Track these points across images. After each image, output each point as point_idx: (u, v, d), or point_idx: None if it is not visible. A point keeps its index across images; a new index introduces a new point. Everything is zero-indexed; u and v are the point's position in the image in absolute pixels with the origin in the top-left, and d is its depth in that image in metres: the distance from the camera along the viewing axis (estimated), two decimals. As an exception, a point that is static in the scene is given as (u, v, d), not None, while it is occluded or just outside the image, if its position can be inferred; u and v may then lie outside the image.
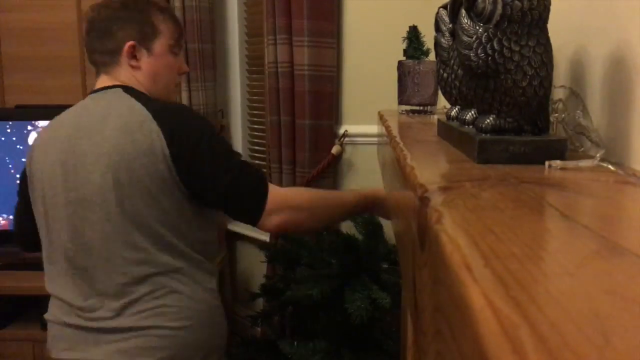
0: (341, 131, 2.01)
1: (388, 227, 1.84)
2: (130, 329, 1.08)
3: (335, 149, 1.98)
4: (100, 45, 1.21)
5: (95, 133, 1.11)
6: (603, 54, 0.61)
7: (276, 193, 1.16)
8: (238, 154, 1.19)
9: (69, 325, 1.13)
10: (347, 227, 1.94)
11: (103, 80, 1.22)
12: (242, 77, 2.39)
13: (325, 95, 1.94)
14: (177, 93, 2.17)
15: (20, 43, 2.32)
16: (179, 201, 1.11)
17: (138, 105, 1.11)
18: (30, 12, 2.30)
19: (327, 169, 1.97)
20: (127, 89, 1.18)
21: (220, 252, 2.27)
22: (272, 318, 1.89)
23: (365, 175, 2.02)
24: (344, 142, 2.01)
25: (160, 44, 1.24)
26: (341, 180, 2.06)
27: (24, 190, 1.25)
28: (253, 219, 1.15)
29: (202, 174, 1.11)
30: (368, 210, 1.32)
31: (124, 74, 1.22)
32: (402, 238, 0.54)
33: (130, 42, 1.20)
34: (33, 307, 2.12)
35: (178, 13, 2.09)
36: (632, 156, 0.54)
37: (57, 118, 1.22)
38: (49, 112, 2.10)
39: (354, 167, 2.05)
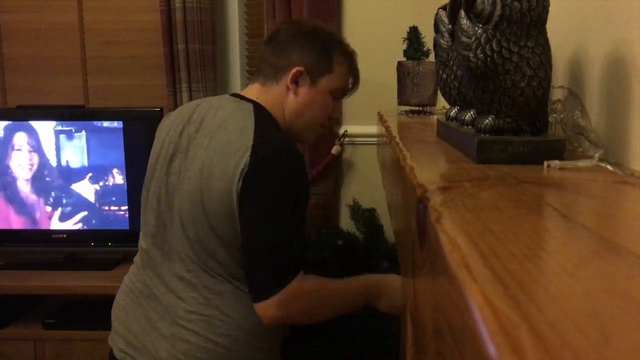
0: (341, 131, 2.01)
1: (388, 227, 1.84)
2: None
3: (335, 149, 1.98)
4: (273, 57, 1.21)
5: (205, 137, 1.12)
6: (601, 54, 0.61)
7: (296, 290, 1.06)
8: (297, 224, 1.10)
9: None
10: (348, 225, 1.94)
11: (252, 89, 1.23)
12: (243, 77, 2.39)
13: (325, 96, 1.94)
14: (179, 93, 2.17)
15: (21, 44, 2.32)
16: (236, 231, 1.08)
17: (250, 131, 1.09)
18: (31, 13, 2.30)
19: (327, 169, 1.98)
20: (260, 110, 1.16)
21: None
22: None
23: (365, 175, 2.02)
24: (344, 142, 2.01)
25: (326, 81, 1.22)
26: (341, 180, 2.06)
27: None
28: (255, 296, 1.07)
29: (250, 216, 1.07)
30: (370, 303, 1.20)
31: (277, 92, 1.20)
32: (401, 238, 0.54)
33: (300, 68, 1.19)
34: (33, 307, 2.12)
35: (178, 13, 2.09)
36: (630, 156, 0.54)
37: (190, 103, 1.24)
38: (50, 112, 2.11)
39: (354, 167, 2.05)
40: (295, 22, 1.24)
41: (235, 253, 1.09)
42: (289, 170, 1.09)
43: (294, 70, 1.18)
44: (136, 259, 1.22)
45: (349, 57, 1.26)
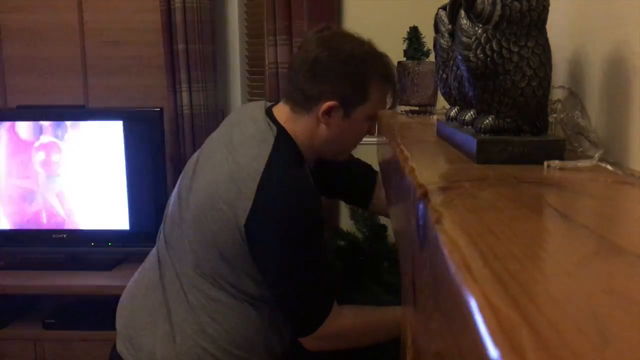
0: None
1: (388, 227, 1.84)
2: None
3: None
4: (305, 84, 1.12)
5: (219, 154, 1.12)
6: (602, 54, 0.61)
7: (333, 324, 1.08)
8: (316, 271, 1.10)
9: None
10: (348, 226, 1.94)
11: (283, 111, 1.16)
12: (243, 77, 2.39)
13: (325, 96, 1.94)
14: (179, 93, 2.17)
15: (21, 44, 2.32)
16: (243, 255, 1.08)
17: (261, 161, 1.05)
18: (31, 13, 2.30)
19: (327, 169, 1.97)
20: (282, 137, 1.11)
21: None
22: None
23: (365, 176, 2.02)
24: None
25: (362, 111, 1.14)
26: (341, 181, 2.06)
27: None
28: (299, 333, 1.11)
29: (266, 267, 1.07)
30: None
31: (307, 122, 1.14)
32: (401, 238, 0.54)
33: (333, 103, 1.11)
34: (33, 307, 2.12)
35: (178, 13, 2.09)
36: (630, 156, 0.54)
37: (231, 116, 1.27)
38: (51, 112, 2.11)
39: (354, 167, 2.05)
40: (331, 47, 1.11)
41: (237, 270, 1.09)
42: (296, 212, 1.06)
43: (325, 105, 1.11)
44: (154, 251, 1.23)
45: (389, 81, 1.17)
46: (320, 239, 1.11)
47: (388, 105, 1.20)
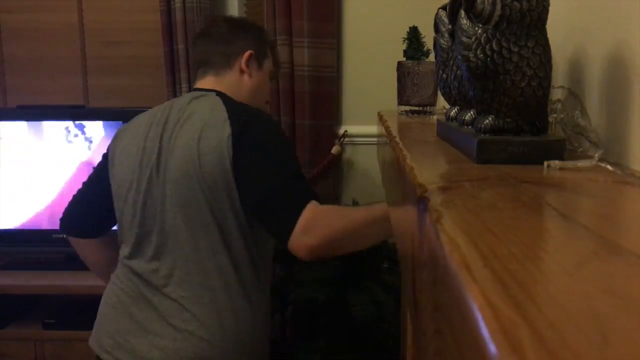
0: (341, 131, 2.01)
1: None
2: None
3: (335, 149, 1.98)
4: (218, 48, 1.30)
5: (178, 127, 1.16)
6: (601, 54, 0.61)
7: (314, 210, 1.05)
8: (296, 164, 1.16)
9: None
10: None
11: (206, 82, 1.29)
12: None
13: (325, 96, 1.94)
14: (179, 93, 2.17)
15: (21, 44, 2.32)
16: (234, 212, 1.12)
17: (220, 107, 1.16)
18: (31, 13, 2.30)
19: (327, 169, 1.98)
20: (221, 95, 1.22)
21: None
22: (272, 317, 1.89)
23: (365, 175, 2.02)
24: (344, 142, 2.01)
25: (268, 64, 1.36)
26: (341, 180, 2.06)
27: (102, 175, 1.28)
28: (283, 236, 1.06)
29: (251, 172, 1.11)
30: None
31: (232, 77, 1.29)
32: (401, 238, 0.54)
33: (251, 51, 1.30)
34: (33, 307, 2.12)
35: (178, 13, 2.09)
36: (630, 156, 0.54)
37: (147, 112, 1.29)
38: (51, 112, 2.11)
39: (354, 167, 2.05)
40: (222, 18, 1.41)
41: (231, 240, 1.13)
42: (271, 124, 1.19)
43: (247, 54, 1.29)
44: (122, 259, 1.21)
45: (273, 43, 1.47)
46: (295, 153, 1.23)
47: (276, 68, 1.41)
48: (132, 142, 1.22)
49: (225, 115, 1.14)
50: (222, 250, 1.12)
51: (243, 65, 1.29)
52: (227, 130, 1.11)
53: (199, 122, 1.14)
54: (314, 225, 1.04)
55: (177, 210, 1.13)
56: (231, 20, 1.39)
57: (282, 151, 1.15)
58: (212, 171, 1.10)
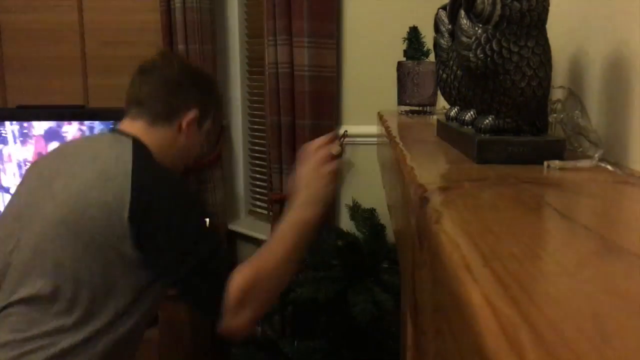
0: (341, 131, 2.01)
1: (388, 227, 1.84)
2: None
3: (335, 149, 1.98)
4: (164, 95, 1.18)
5: (77, 167, 1.09)
6: (601, 54, 0.61)
7: (235, 287, 1.00)
8: (205, 234, 1.08)
9: None
10: (348, 226, 1.94)
11: (135, 126, 1.17)
12: (243, 77, 2.39)
13: (325, 96, 1.94)
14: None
15: (21, 44, 2.33)
16: (119, 264, 1.03)
17: (128, 159, 1.07)
18: (31, 13, 2.30)
19: (327, 169, 1.97)
20: (138, 142, 1.13)
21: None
22: (272, 318, 1.89)
23: (365, 175, 2.02)
24: (344, 142, 2.01)
25: (208, 125, 1.26)
26: (341, 181, 2.06)
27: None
28: (212, 318, 1.02)
29: (161, 249, 1.03)
30: (308, 227, 1.10)
31: (167, 133, 1.18)
32: (401, 238, 0.54)
33: (196, 111, 1.20)
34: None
35: (178, 13, 2.09)
36: (630, 156, 0.54)
37: (63, 145, 1.23)
38: (51, 112, 2.11)
39: (354, 167, 2.05)
40: (178, 60, 1.25)
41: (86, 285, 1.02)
42: (177, 188, 1.09)
43: (192, 114, 1.20)
44: None
45: (220, 98, 1.34)
46: (203, 212, 1.14)
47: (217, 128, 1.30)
48: (30, 177, 1.16)
49: (129, 168, 1.04)
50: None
51: (184, 125, 1.19)
52: (127, 193, 1.02)
53: (97, 169, 1.06)
54: (245, 303, 1.00)
55: (39, 254, 1.04)
56: (186, 68, 1.24)
57: (191, 221, 1.06)
58: (96, 225, 1.02)
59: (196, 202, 1.13)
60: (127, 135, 1.15)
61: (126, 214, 1.01)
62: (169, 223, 1.03)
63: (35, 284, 1.02)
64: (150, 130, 1.17)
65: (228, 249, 1.16)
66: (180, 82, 1.20)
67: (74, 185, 1.06)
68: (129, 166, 1.05)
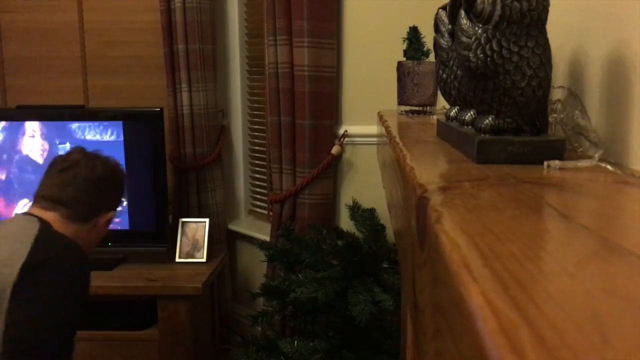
0: (341, 131, 2.01)
1: (388, 227, 1.84)
2: None
3: (335, 149, 1.98)
4: (88, 198, 1.24)
5: None
6: (601, 54, 0.61)
7: None
8: (70, 328, 1.13)
9: None
10: (348, 226, 1.94)
11: (49, 216, 1.20)
12: (243, 77, 2.39)
13: (325, 96, 1.94)
14: (179, 93, 2.17)
15: (21, 44, 2.33)
16: None
17: (33, 233, 1.11)
18: (31, 13, 2.31)
19: (327, 169, 1.98)
20: (46, 224, 1.17)
21: (221, 251, 2.27)
22: (272, 318, 1.89)
23: (365, 175, 2.03)
24: (344, 142, 2.01)
25: (112, 215, 1.34)
26: (341, 180, 2.06)
27: None
28: None
29: (26, 313, 1.05)
30: None
31: (82, 229, 1.24)
32: (401, 238, 0.54)
33: (113, 213, 1.30)
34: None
35: (178, 13, 2.09)
36: (630, 156, 0.54)
37: None
38: (50, 112, 2.11)
39: (354, 167, 2.05)
40: (101, 161, 1.29)
41: None
42: (72, 271, 1.12)
43: (110, 215, 1.30)
44: None
45: (125, 195, 1.43)
46: (85, 296, 1.15)
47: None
48: None
49: (32, 239, 1.09)
50: None
51: (99, 224, 1.28)
52: (24, 253, 1.07)
53: (6, 233, 1.12)
54: None
55: None
56: (107, 170, 1.30)
57: (66, 306, 1.10)
58: None
59: (81, 287, 1.17)
60: (38, 218, 1.19)
61: (18, 271, 1.04)
62: (51, 285, 1.07)
63: None
64: (65, 224, 1.22)
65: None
66: (104, 185, 1.28)
67: None
68: (33, 233, 1.11)
